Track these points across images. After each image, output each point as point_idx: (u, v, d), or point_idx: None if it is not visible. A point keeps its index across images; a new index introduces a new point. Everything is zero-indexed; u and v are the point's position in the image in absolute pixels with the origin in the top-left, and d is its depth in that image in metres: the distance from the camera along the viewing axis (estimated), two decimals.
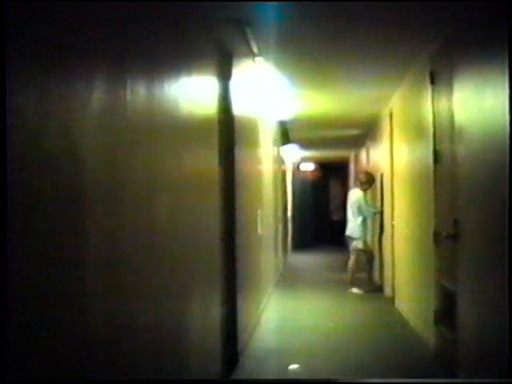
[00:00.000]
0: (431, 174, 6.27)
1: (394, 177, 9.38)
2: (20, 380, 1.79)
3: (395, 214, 9.25)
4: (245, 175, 6.83)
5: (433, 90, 6.27)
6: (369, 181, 11.10)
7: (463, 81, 5.02)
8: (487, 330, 4.44)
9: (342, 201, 22.70)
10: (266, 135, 9.96)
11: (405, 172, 8.34)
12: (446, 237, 5.38)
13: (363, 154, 15.60)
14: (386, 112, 10.33)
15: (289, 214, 18.61)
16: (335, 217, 23.04)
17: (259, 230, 8.42)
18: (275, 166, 12.21)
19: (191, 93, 4.10)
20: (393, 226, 9.47)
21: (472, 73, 4.70)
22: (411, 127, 7.88)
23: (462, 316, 5.18)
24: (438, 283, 6.01)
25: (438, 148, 6.10)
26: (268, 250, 10.28)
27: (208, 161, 4.64)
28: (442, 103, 5.91)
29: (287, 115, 11.26)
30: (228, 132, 5.76)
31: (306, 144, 16.39)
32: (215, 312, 4.84)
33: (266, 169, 9.93)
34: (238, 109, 6.27)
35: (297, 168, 21.66)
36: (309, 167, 22.66)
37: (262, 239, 9.09)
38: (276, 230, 12.62)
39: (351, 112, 11.29)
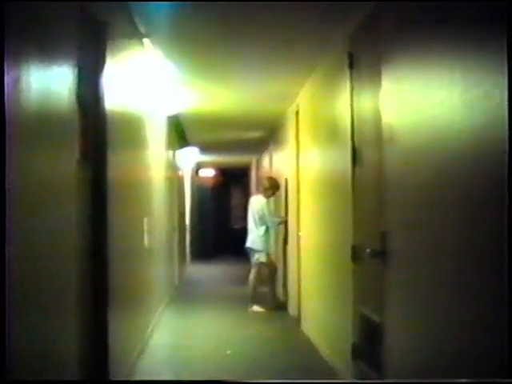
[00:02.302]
0: (349, 178, 5.24)
1: (301, 183, 8.35)
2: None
3: (302, 224, 8.22)
4: (124, 181, 5.64)
5: (351, 77, 5.25)
6: (273, 187, 10.02)
7: (399, 68, 3.99)
8: (424, 371, 3.43)
9: (244, 209, 21.78)
10: (156, 136, 8.76)
11: (314, 177, 7.31)
12: (371, 254, 4.33)
13: (266, 159, 14.57)
14: (291, 110, 9.31)
15: (187, 222, 17.42)
16: (237, 225, 22.01)
17: (146, 242, 7.22)
18: (169, 170, 10.99)
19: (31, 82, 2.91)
20: (299, 238, 8.44)
21: (418, 59, 3.66)
22: (322, 125, 6.86)
23: (391, 355, 4.15)
24: (358, 311, 4.97)
25: (357, 147, 5.07)
26: (159, 262, 9.07)
27: (57, 166, 3.42)
28: (364, 94, 4.89)
29: (180, 110, 10.00)
30: (97, 131, 4.60)
31: (205, 147, 15.24)
32: (67, 339, 3.62)
33: (157, 174, 8.72)
34: (115, 104, 5.09)
35: (195, 174, 20.50)
36: (209, 173, 21.50)
37: (151, 251, 7.88)
38: (171, 240, 11.41)
39: (253, 111, 10.22)
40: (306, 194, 7.86)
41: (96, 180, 4.58)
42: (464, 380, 3.45)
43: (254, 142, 14.26)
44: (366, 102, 4.85)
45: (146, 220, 7.20)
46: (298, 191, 8.53)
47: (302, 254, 8.19)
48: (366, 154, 4.84)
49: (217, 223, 21.90)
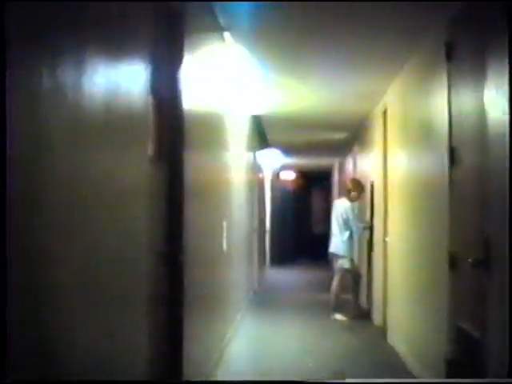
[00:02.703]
0: (445, 179, 4.79)
1: (389, 186, 7.89)
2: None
3: (389, 229, 7.76)
4: (201, 182, 5.34)
5: (449, 70, 4.79)
6: (358, 188, 9.59)
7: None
8: None
9: (325, 213, 21.41)
10: (237, 136, 8.46)
11: (403, 179, 6.85)
12: (472, 264, 3.88)
13: (349, 163, 14.11)
14: (378, 110, 8.87)
15: (267, 226, 17.12)
16: (317, 230, 21.64)
17: (224, 245, 6.91)
18: (250, 173, 10.69)
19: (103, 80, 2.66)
20: (385, 244, 7.98)
21: None
22: (414, 124, 6.40)
23: (492, 376, 3.69)
24: (454, 325, 4.52)
25: (455, 146, 4.62)
26: (238, 267, 8.77)
27: (127, 165, 3.13)
28: (465, 88, 4.44)
29: (262, 109, 9.69)
30: (173, 129, 4.31)
31: (286, 149, 14.88)
32: (134, 342, 3.32)
33: (237, 176, 8.42)
34: (193, 101, 4.80)
35: (276, 176, 20.17)
36: (289, 176, 21.15)
37: (230, 256, 7.58)
38: (250, 244, 11.11)
39: (337, 111, 9.83)
40: (395, 198, 7.42)
41: (172, 180, 4.29)
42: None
43: (336, 144, 13.84)
44: (466, 97, 4.40)
45: (224, 223, 6.89)
46: (386, 195, 8.08)
47: (389, 261, 7.74)
48: (466, 154, 4.39)
49: (297, 227, 21.55)
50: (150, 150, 3.89)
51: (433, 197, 5.37)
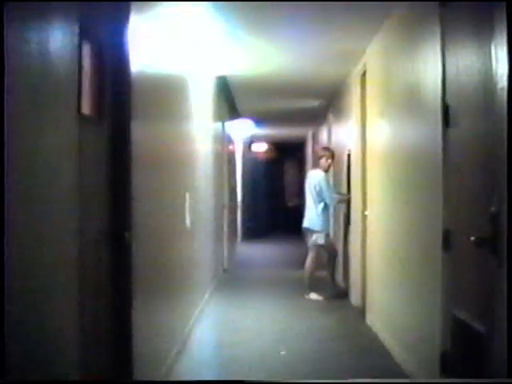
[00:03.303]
0: (438, 144, 4.12)
1: (368, 156, 7.23)
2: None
3: (369, 202, 7.12)
4: (157, 152, 4.66)
5: (443, 19, 4.11)
6: (329, 156, 8.93)
7: None
8: None
9: (298, 186, 20.77)
10: (202, 105, 7.74)
11: (386, 148, 6.19)
12: (476, 243, 3.23)
13: (324, 132, 13.44)
14: (356, 72, 8.18)
15: (238, 199, 16.44)
16: (291, 203, 21.03)
17: (188, 220, 6.23)
18: (218, 143, 9.97)
19: None
20: (365, 218, 7.35)
21: None
22: (399, 85, 5.73)
23: (498, 373, 3.08)
24: (450, 314, 3.89)
25: (451, 105, 3.95)
26: (204, 244, 8.11)
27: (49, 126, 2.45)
28: (463, 39, 3.77)
29: (228, 71, 8.90)
30: (119, 92, 3.63)
31: (257, 119, 14.16)
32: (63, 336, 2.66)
33: (202, 146, 7.71)
34: (145, 62, 4.11)
35: (248, 148, 19.47)
36: (261, 147, 20.44)
37: (195, 232, 6.90)
38: (219, 219, 10.44)
39: (310, 74, 9.12)
40: (375, 169, 6.76)
41: (116, 147, 3.60)
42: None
43: (310, 113, 13.14)
44: (465, 49, 3.73)
45: (187, 196, 6.20)
46: (364, 165, 7.43)
47: (369, 237, 7.11)
48: (464, 115, 3.73)
49: (270, 201, 20.90)
50: (86, 109, 3.21)
51: (423, 166, 4.72)
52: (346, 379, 5.02)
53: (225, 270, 11.17)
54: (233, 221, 14.39)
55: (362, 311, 7.40)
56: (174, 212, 5.50)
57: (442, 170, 4.07)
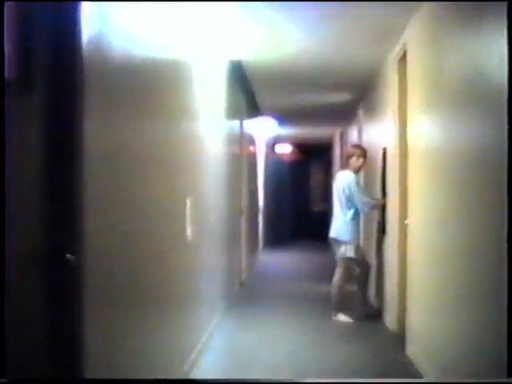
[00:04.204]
0: (504, 150, 2.95)
1: (410, 156, 6.01)
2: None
3: (410, 209, 5.91)
4: (131, 155, 3.50)
5: None
6: (361, 154, 7.70)
7: None
8: None
9: (325, 189, 19.59)
10: (210, 97, 6.60)
11: (436, 147, 4.97)
12: None
13: (353, 132, 12.22)
14: (393, 56, 6.98)
15: (260, 205, 15.26)
16: (317, 208, 19.85)
17: (189, 231, 5.08)
18: (233, 145, 8.80)
19: None
20: (404, 227, 6.15)
21: None
22: (453, 71, 4.51)
23: None
24: None
25: None
26: (213, 257, 6.95)
27: None
28: None
29: (243, 53, 7.66)
30: (61, 70, 2.50)
31: (280, 117, 12.98)
32: None
33: (211, 148, 6.55)
34: (117, 39, 3.01)
35: (271, 150, 18.28)
36: (286, 149, 19.23)
37: (199, 243, 5.76)
38: (235, 227, 9.27)
39: (338, 58, 7.91)
40: (420, 170, 5.54)
41: (53, 131, 2.46)
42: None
43: (338, 110, 11.92)
44: None
45: (188, 202, 5.05)
46: (404, 166, 6.24)
47: (411, 250, 5.89)
48: None
49: (295, 206, 19.69)
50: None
51: (481, 172, 3.53)
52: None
53: (242, 284, 10.01)
54: (253, 228, 13.23)
55: (400, 338, 6.20)
56: (166, 223, 4.35)
57: (507, 175, 2.89)
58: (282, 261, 14.55)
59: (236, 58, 7.78)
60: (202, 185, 5.97)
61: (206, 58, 6.27)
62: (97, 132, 2.81)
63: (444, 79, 4.71)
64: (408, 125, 6.10)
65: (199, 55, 5.81)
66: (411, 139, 5.95)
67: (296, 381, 4.95)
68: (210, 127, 6.39)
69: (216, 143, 6.94)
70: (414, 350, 5.64)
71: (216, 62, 6.99)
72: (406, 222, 5.98)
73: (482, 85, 3.68)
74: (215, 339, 6.34)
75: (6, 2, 1.82)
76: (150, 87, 3.93)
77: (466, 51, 4.10)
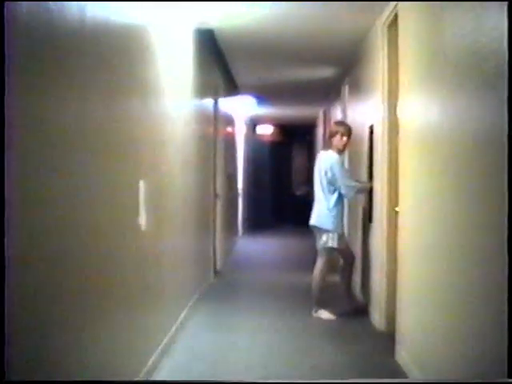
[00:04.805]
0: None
1: (401, 136, 5.25)
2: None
3: (401, 195, 5.16)
4: (62, 132, 2.74)
5: None
6: (346, 133, 6.92)
7: None
8: None
9: (308, 172, 18.85)
10: (174, 71, 5.83)
11: (433, 126, 4.23)
12: None
13: (337, 111, 11.44)
14: (381, 22, 6.22)
15: (239, 188, 14.52)
16: (299, 192, 19.15)
17: (142, 219, 4.32)
18: (205, 125, 8.01)
19: None
20: (394, 215, 5.43)
21: None
22: (454, 41, 3.77)
23: None
24: None
25: None
26: (177, 245, 6.20)
27: None
28: None
29: (215, 20, 6.81)
30: None
31: (260, 95, 12.19)
32: None
33: (174, 128, 5.78)
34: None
35: (251, 131, 17.52)
36: (267, 130, 18.44)
37: (156, 233, 5.01)
38: (207, 212, 8.53)
39: (321, 31, 7.17)
40: (413, 153, 4.77)
41: None
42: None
43: (321, 87, 11.15)
44: None
45: (142, 186, 4.29)
46: (394, 147, 5.52)
47: (401, 239, 5.15)
48: None
49: (276, 189, 18.93)
50: None
51: (484, 157, 2.83)
52: None
53: (217, 274, 9.27)
54: (231, 213, 12.49)
55: (388, 339, 5.49)
56: (111, 212, 3.58)
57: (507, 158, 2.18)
58: (262, 247, 13.83)
59: (207, 25, 6.98)
60: (163, 167, 5.20)
61: (171, 25, 5.50)
62: (24, 110, 2.08)
63: (443, 48, 3.96)
64: (400, 100, 5.35)
65: (162, 21, 5.04)
66: (403, 117, 5.19)
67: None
68: (173, 105, 5.62)
69: (182, 122, 6.17)
70: (404, 354, 4.92)
71: (184, 30, 6.21)
72: (397, 209, 5.25)
73: (488, 57, 2.96)
74: (180, 339, 5.60)
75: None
76: (94, 57, 3.18)
77: (466, 18, 3.36)
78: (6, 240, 1.91)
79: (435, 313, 4.07)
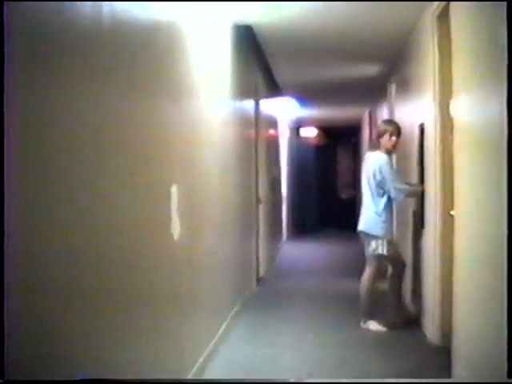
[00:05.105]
0: None
1: (457, 136, 4.82)
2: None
3: (457, 198, 4.73)
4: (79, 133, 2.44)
5: None
6: (395, 132, 6.49)
7: None
8: None
9: (352, 175, 18.46)
10: (209, 71, 5.51)
11: (497, 125, 3.81)
12: None
13: (383, 111, 11.00)
14: (431, 14, 5.80)
15: (283, 192, 14.15)
16: (344, 195, 18.74)
17: (176, 229, 3.99)
18: (245, 127, 7.67)
19: None
20: (448, 219, 5.01)
21: None
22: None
23: None
24: None
25: None
26: (215, 253, 5.87)
27: None
28: None
29: (253, 16, 6.46)
30: None
31: (302, 97, 11.82)
32: None
33: (212, 130, 5.45)
34: None
35: (295, 134, 17.14)
36: (311, 133, 18.03)
37: (192, 243, 4.68)
38: (249, 217, 8.19)
39: (366, 27, 6.80)
40: (471, 153, 4.35)
41: None
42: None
43: (366, 86, 10.73)
44: None
45: (174, 191, 3.96)
46: (449, 148, 5.10)
47: (457, 246, 4.72)
48: None
49: (321, 193, 18.51)
50: None
51: None
52: None
53: (260, 281, 8.92)
54: (275, 217, 12.13)
55: (444, 353, 5.05)
56: (137, 219, 3.25)
57: None
58: (307, 253, 13.43)
59: (245, 22, 6.64)
60: (199, 170, 4.87)
61: (207, 22, 5.17)
62: (27, 112, 1.79)
63: (502, 39, 3.54)
64: (454, 98, 4.92)
65: (197, 17, 4.72)
66: (458, 115, 4.77)
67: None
68: (209, 105, 5.29)
69: (220, 124, 5.84)
70: (462, 372, 4.50)
71: (220, 27, 5.88)
72: (452, 212, 4.82)
73: None
74: (219, 355, 5.25)
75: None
76: (110, 55, 2.86)
77: None
78: (5, 239, 1.84)
79: (499, 328, 3.65)
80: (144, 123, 3.40)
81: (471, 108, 4.37)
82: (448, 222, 5.11)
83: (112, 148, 2.87)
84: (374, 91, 11.05)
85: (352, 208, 17.15)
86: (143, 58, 3.39)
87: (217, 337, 5.44)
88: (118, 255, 2.94)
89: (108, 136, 2.82)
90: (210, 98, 5.32)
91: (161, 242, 3.73)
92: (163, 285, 3.78)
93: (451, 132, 5.02)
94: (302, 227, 16.72)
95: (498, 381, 2.85)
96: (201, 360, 4.73)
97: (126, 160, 3.08)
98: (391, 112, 9.36)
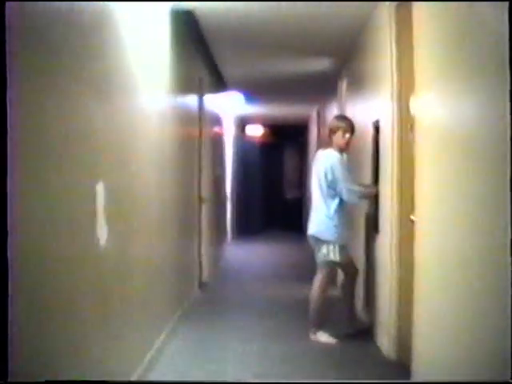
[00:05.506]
0: None
1: (419, 135, 4.39)
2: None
3: (419, 201, 4.30)
4: None
5: None
6: (348, 129, 6.04)
7: None
8: None
9: (299, 175, 18.10)
10: (145, 61, 4.98)
11: (461, 124, 3.39)
12: None
13: (333, 110, 10.58)
14: (386, 2, 5.38)
15: (228, 192, 13.66)
16: (290, 195, 18.38)
17: (102, 234, 3.46)
18: (186, 124, 7.13)
19: None
20: (410, 225, 4.59)
21: None
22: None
23: None
24: None
25: None
26: (150, 258, 5.35)
27: None
28: None
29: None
30: None
31: (248, 91, 11.32)
32: None
33: (147, 127, 4.92)
34: None
35: (241, 131, 16.66)
36: (257, 131, 17.56)
37: (117, 251, 4.15)
38: (190, 218, 7.68)
39: (316, 18, 6.34)
40: (434, 154, 3.92)
41: None
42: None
43: (315, 82, 10.29)
44: None
45: (100, 190, 3.43)
46: (408, 148, 4.69)
47: (419, 253, 4.29)
48: None
49: (267, 192, 18.07)
50: None
51: None
52: None
53: (203, 286, 8.41)
54: (219, 218, 11.62)
55: (400, 369, 4.64)
56: (51, 221, 2.72)
57: None
58: (252, 254, 12.97)
59: (185, 6, 6.11)
60: (132, 170, 4.34)
61: (142, 9, 4.65)
62: None
63: (470, 27, 3.12)
64: (415, 92, 4.49)
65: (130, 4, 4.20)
66: (420, 112, 4.34)
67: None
68: (145, 98, 4.77)
69: (158, 119, 5.32)
70: None
71: (157, 11, 5.36)
72: (413, 217, 4.39)
73: None
74: (154, 372, 4.73)
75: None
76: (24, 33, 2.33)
77: None
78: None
79: (464, 339, 3.23)
80: (62, 118, 2.87)
81: (435, 105, 3.94)
82: (406, 226, 4.69)
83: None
84: (323, 87, 10.61)
85: (298, 209, 16.81)
86: (61, 37, 2.86)
87: (152, 351, 4.91)
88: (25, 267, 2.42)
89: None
90: (146, 90, 4.80)
91: (84, 251, 3.20)
92: (85, 297, 3.25)
93: (411, 130, 4.61)
94: (247, 228, 16.27)
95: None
96: (137, 371, 4.22)
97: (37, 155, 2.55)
98: (342, 109, 8.94)
